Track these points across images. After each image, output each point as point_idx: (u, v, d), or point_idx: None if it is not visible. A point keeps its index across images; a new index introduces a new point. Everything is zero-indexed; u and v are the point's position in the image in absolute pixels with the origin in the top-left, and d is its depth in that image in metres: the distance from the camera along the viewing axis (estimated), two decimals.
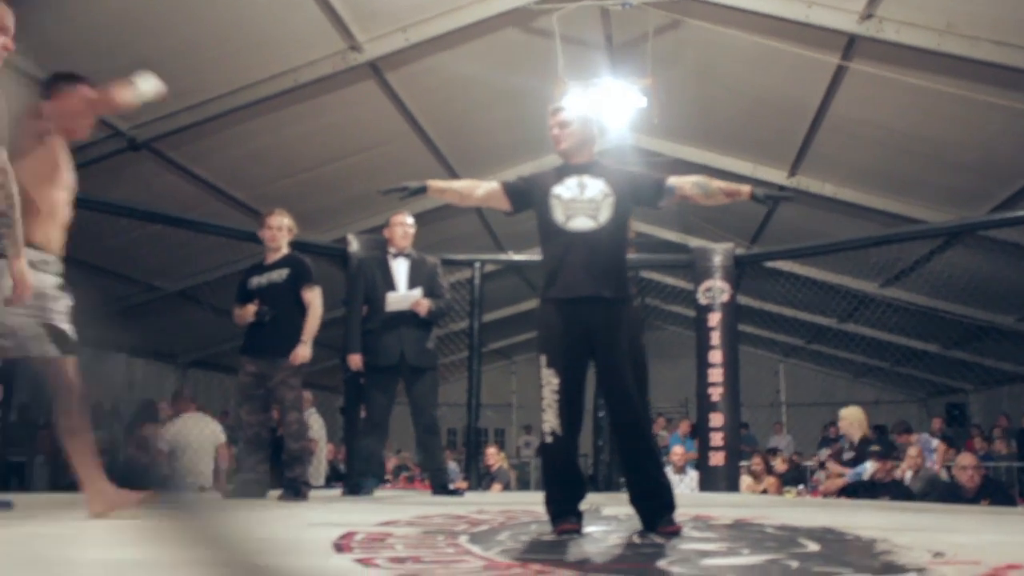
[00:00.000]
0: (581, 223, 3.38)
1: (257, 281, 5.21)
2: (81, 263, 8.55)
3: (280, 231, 5.34)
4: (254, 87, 7.01)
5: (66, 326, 3.34)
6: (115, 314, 10.08)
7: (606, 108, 7.22)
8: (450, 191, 3.73)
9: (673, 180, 3.52)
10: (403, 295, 5.50)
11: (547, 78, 7.27)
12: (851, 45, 6.67)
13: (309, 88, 7.13)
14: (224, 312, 10.39)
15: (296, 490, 5.01)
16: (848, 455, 7.71)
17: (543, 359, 3.34)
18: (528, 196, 3.55)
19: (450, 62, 7.44)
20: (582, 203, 3.41)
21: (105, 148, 7.25)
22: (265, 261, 5.33)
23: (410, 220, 5.76)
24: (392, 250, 5.72)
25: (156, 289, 10.05)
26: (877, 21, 6.28)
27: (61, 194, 3.39)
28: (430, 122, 8.26)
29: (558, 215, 3.41)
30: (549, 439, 3.32)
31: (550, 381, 3.29)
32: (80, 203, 6.09)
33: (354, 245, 6.74)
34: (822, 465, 8.52)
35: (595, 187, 3.43)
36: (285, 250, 5.34)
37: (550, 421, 3.29)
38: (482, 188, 3.65)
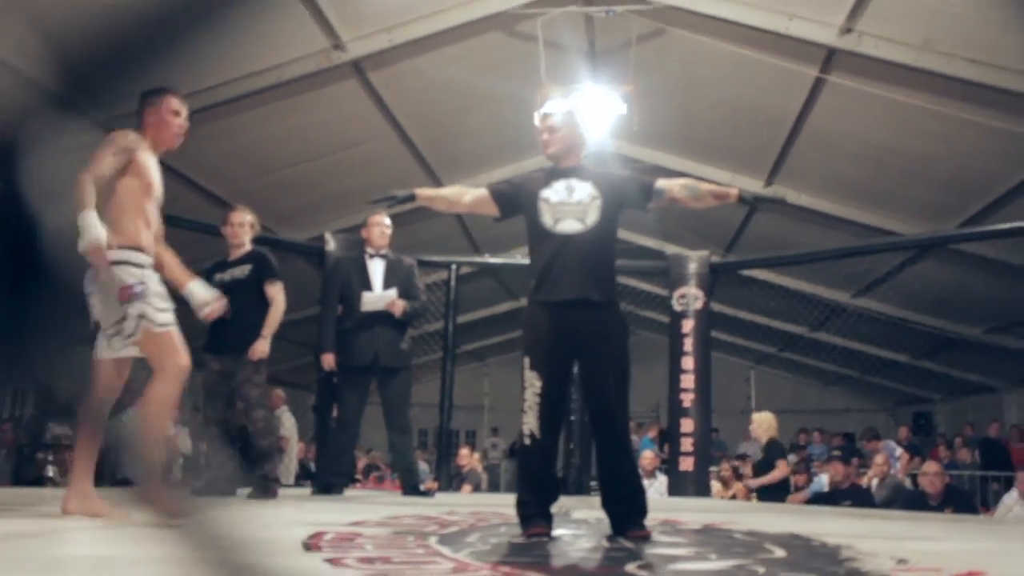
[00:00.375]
0: (569, 226, 3.39)
1: (220, 277, 5.14)
2: (56, 256, 8.47)
3: (243, 227, 5.31)
4: (236, 83, 6.97)
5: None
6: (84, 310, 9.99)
7: (587, 114, 7.26)
8: (438, 198, 3.70)
9: (662, 182, 3.52)
10: (378, 295, 5.49)
11: (529, 82, 7.30)
12: (830, 58, 6.76)
13: (291, 85, 7.12)
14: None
15: (265, 488, 4.99)
16: (758, 457, 7.87)
17: (527, 361, 3.35)
18: (516, 201, 3.55)
19: (433, 64, 7.45)
20: (570, 206, 3.42)
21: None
22: (228, 257, 5.32)
23: (387, 221, 5.74)
24: (369, 250, 5.70)
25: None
26: (856, 35, 6.36)
27: (154, 205, 3.51)
28: (411, 123, 8.27)
29: (546, 218, 3.42)
30: (527, 441, 3.33)
31: (533, 383, 3.29)
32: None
33: (331, 244, 6.73)
34: (736, 473, 8.60)
35: (583, 190, 3.44)
36: (248, 246, 5.32)
37: (530, 423, 3.30)
38: (470, 195, 3.63)
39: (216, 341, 5.11)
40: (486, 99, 8.17)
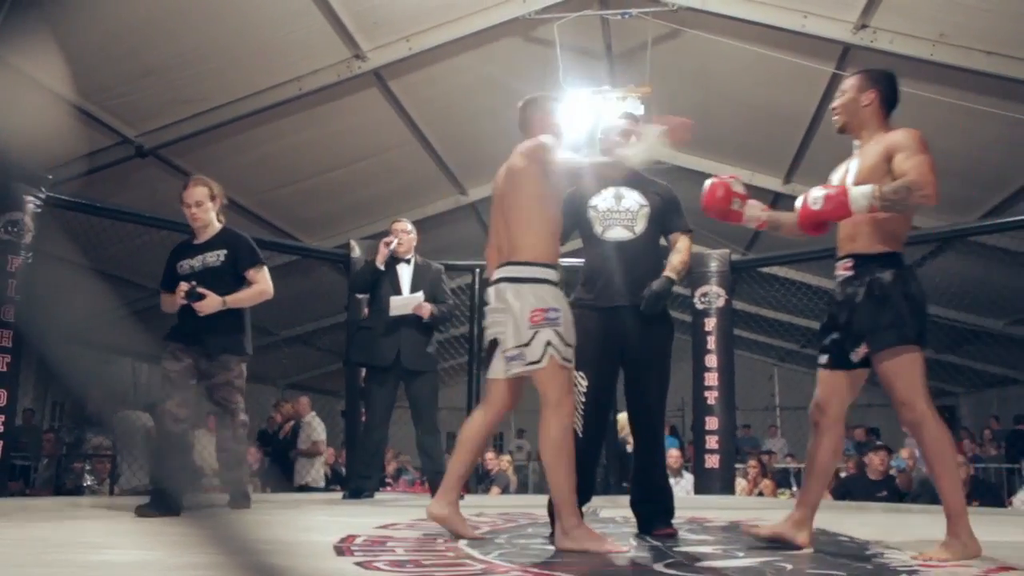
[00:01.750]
0: (618, 234, 3.48)
1: (189, 265, 4.32)
2: (88, 268, 8.61)
3: (200, 207, 4.32)
4: (259, 95, 7.08)
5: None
6: (122, 318, 10.12)
7: (605, 117, 7.29)
8: None
9: (675, 236, 3.59)
10: (406, 299, 5.52)
11: (547, 86, 7.35)
12: (845, 55, 6.75)
13: (313, 96, 7.21)
14: None
15: (244, 495, 4.46)
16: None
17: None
18: (572, 221, 3.54)
19: (452, 71, 7.53)
20: (619, 214, 3.50)
21: (113, 155, 7.33)
22: (195, 240, 4.40)
23: (410, 227, 5.79)
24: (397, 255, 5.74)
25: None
26: (871, 31, 6.37)
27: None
28: (432, 130, 8.35)
29: (596, 226, 3.51)
30: None
31: (579, 383, 3.32)
32: (87, 209, 6.23)
33: (357, 251, 6.81)
34: (763, 469, 8.58)
35: (631, 198, 3.53)
36: (217, 225, 4.40)
37: (576, 423, 3.31)
38: None
39: (185, 331, 4.33)
40: (505, 104, 8.14)
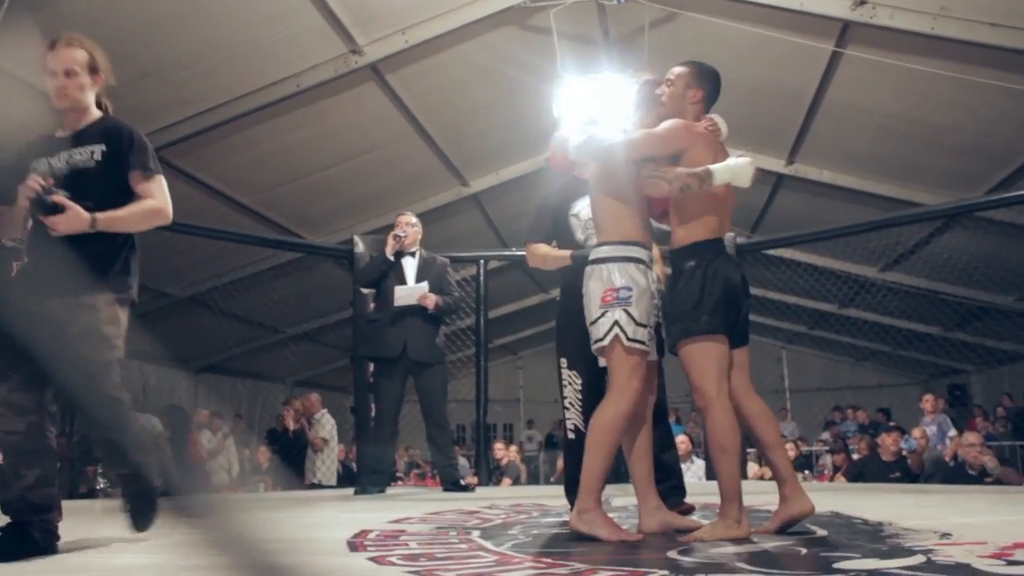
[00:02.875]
0: None
1: (49, 165, 2.82)
2: None
3: (72, 79, 2.90)
4: (257, 93, 7.05)
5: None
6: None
7: (605, 103, 7.24)
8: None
9: None
10: (410, 289, 5.52)
11: (546, 75, 7.32)
12: (845, 32, 6.70)
13: (311, 92, 7.17)
14: (233, 316, 10.46)
15: (144, 497, 2.79)
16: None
17: (563, 362, 3.52)
18: (554, 228, 3.67)
19: (449, 62, 7.49)
20: None
21: None
22: (60, 131, 2.95)
23: (415, 220, 5.79)
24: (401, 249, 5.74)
25: (166, 296, 10.11)
26: (870, 7, 6.31)
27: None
28: (431, 122, 8.31)
29: (577, 234, 3.59)
30: (572, 435, 3.48)
31: (573, 381, 3.46)
32: None
33: (360, 246, 6.79)
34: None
35: None
36: (96, 112, 2.98)
37: (573, 418, 3.48)
38: (551, 259, 3.69)
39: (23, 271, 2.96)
40: (504, 94, 8.19)
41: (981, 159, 7.88)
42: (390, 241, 5.60)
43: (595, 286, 2.95)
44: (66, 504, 2.87)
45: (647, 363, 3.01)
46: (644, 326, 2.91)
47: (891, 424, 8.55)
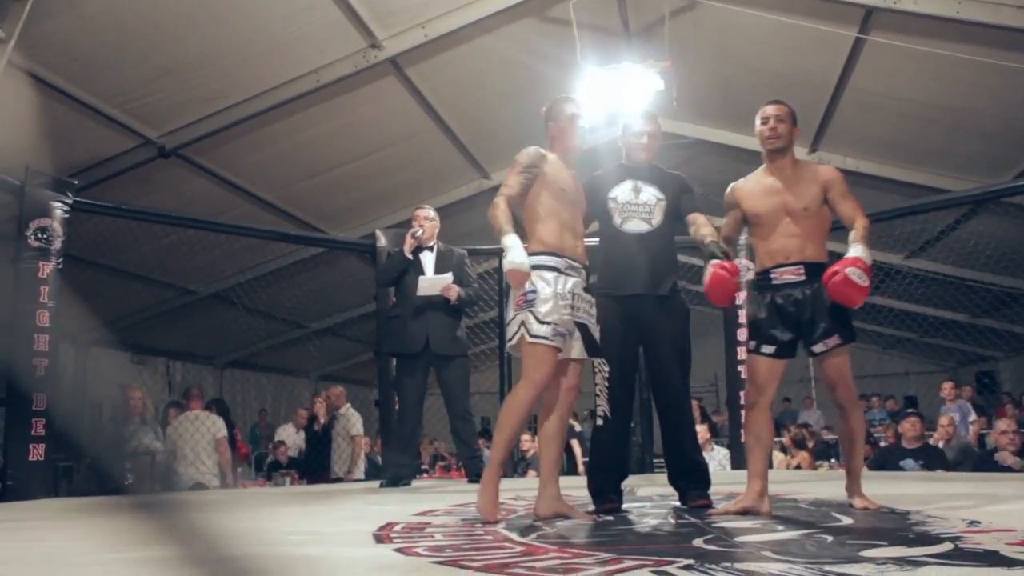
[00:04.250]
0: (636, 226, 3.63)
1: None
2: (117, 270, 8.72)
3: None
4: (277, 90, 7.10)
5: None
6: (153, 318, 10.25)
7: (626, 93, 7.22)
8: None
9: (692, 217, 3.69)
10: (433, 279, 5.52)
11: (566, 66, 7.30)
12: (868, 18, 6.64)
13: (331, 88, 7.21)
14: (257, 312, 10.53)
15: None
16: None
17: None
18: (592, 210, 3.69)
19: (469, 55, 7.49)
20: (636, 207, 3.65)
21: (136, 157, 7.39)
22: None
23: (432, 213, 5.78)
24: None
25: (191, 293, 10.21)
26: None
27: (570, 207, 3.42)
28: (452, 115, 8.32)
29: (615, 218, 3.66)
30: (600, 422, 3.62)
31: (602, 368, 3.57)
32: (114, 211, 6.29)
33: (382, 240, 6.81)
34: (798, 442, 8.52)
35: (648, 192, 3.67)
36: None
37: (602, 406, 3.59)
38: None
39: None
40: (524, 86, 8.17)
41: (1007, 144, 7.78)
42: (408, 240, 5.61)
43: (514, 292, 3.23)
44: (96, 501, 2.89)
45: (570, 362, 3.29)
46: (547, 323, 3.13)
47: (909, 411, 8.48)
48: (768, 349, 3.32)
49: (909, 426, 7.02)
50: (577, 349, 3.28)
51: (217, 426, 7.29)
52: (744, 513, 3.18)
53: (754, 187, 3.48)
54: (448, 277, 5.52)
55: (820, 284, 3.24)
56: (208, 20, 6.22)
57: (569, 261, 3.25)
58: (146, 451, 6.99)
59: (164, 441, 7.15)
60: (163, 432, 7.37)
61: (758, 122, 3.46)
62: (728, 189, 3.59)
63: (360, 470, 8.16)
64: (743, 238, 4.31)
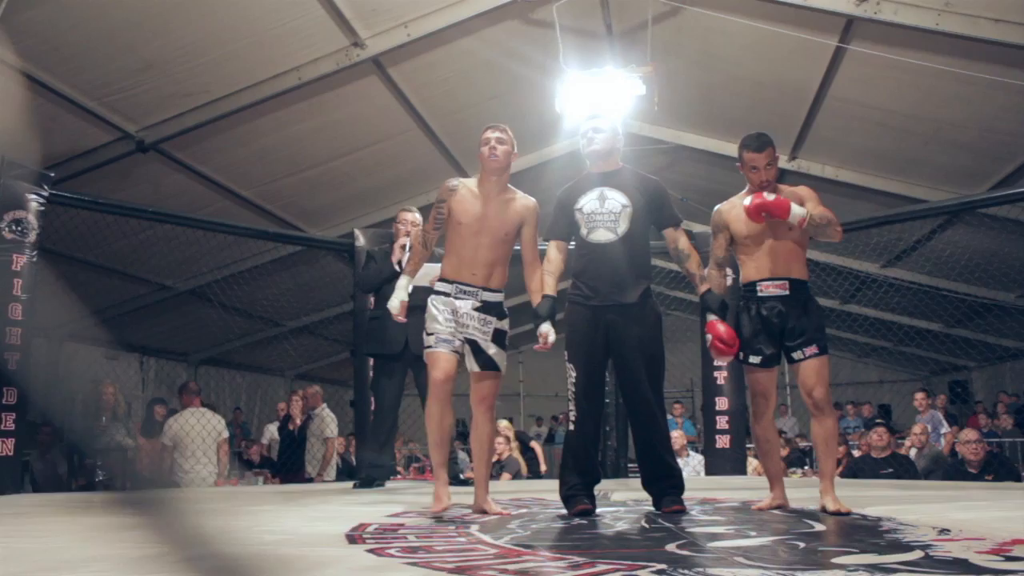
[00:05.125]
0: (601, 235, 3.63)
1: None
2: (93, 265, 8.64)
3: None
4: (259, 86, 7.05)
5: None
6: (127, 314, 10.15)
7: (608, 97, 7.23)
8: (556, 279, 3.80)
9: (670, 232, 3.76)
10: (430, 266, 5.50)
11: (548, 69, 7.31)
12: (849, 27, 6.67)
13: (313, 86, 7.16)
14: (234, 309, 10.48)
15: None
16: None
17: (566, 354, 3.66)
18: (569, 223, 3.77)
19: (452, 55, 7.48)
20: (602, 216, 3.64)
21: (114, 151, 7.31)
22: None
23: (418, 216, 5.73)
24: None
25: (167, 288, 10.12)
26: (875, 2, 6.28)
27: (468, 234, 3.71)
28: (433, 116, 8.30)
29: (582, 228, 3.68)
30: (572, 427, 3.64)
31: (570, 374, 3.61)
32: (90, 205, 6.23)
33: (361, 240, 6.78)
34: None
35: (615, 200, 3.66)
36: None
37: (572, 411, 3.62)
38: (555, 259, 3.79)
39: None
40: (506, 88, 8.18)
41: (984, 156, 7.86)
42: (396, 250, 5.56)
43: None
44: (67, 496, 2.86)
45: (476, 376, 3.69)
46: (431, 335, 3.65)
47: (878, 421, 8.56)
48: (755, 359, 3.58)
49: (877, 437, 7.09)
50: (472, 363, 3.64)
51: (222, 426, 7.34)
52: (779, 508, 3.59)
53: (740, 211, 3.61)
54: (436, 267, 5.49)
55: (802, 299, 3.55)
56: (190, 15, 6.17)
57: (461, 287, 3.66)
58: (117, 447, 6.94)
59: (162, 436, 7.13)
60: (158, 427, 7.39)
61: (747, 164, 3.66)
62: (714, 212, 3.74)
63: (332, 472, 8.11)
64: None
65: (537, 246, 3.82)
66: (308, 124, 7.81)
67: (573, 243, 3.79)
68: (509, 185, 3.84)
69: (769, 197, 3.46)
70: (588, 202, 3.68)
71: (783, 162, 8.92)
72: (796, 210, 3.45)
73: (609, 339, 3.60)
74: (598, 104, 6.70)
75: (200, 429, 7.03)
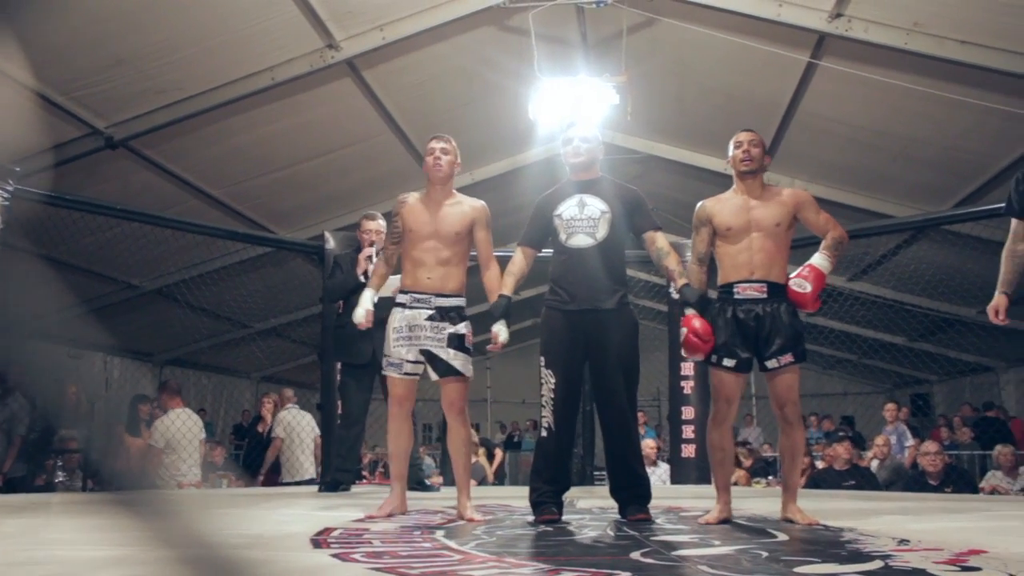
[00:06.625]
0: (580, 240, 3.65)
1: None
2: (58, 262, 8.51)
3: None
4: (232, 85, 7.00)
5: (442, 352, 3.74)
6: (92, 312, 10.00)
7: (582, 105, 7.26)
8: (516, 281, 3.83)
9: (650, 235, 3.76)
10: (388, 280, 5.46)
11: (523, 76, 7.33)
12: (821, 43, 6.77)
13: (286, 86, 7.13)
14: (201, 310, 10.37)
15: None
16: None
17: (543, 360, 3.65)
18: (543, 230, 3.80)
19: (426, 60, 7.48)
20: (581, 221, 3.66)
21: (82, 147, 7.22)
22: None
23: (381, 223, 5.65)
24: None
25: (133, 288, 9.99)
26: (846, 20, 6.38)
27: (421, 243, 3.81)
28: (407, 120, 8.28)
29: (561, 234, 3.69)
30: (545, 433, 3.63)
31: (548, 380, 3.60)
32: (57, 201, 6.14)
33: (331, 243, 6.75)
34: (736, 460, 8.64)
35: (594, 206, 3.68)
36: None
37: (547, 416, 3.61)
38: (519, 262, 3.82)
39: None
40: (480, 94, 8.18)
41: (949, 173, 7.99)
42: (362, 261, 5.54)
43: None
44: (23, 498, 2.82)
45: (442, 383, 3.77)
46: (385, 357, 3.83)
47: (841, 434, 8.69)
48: (729, 363, 3.48)
49: (843, 450, 7.20)
50: (432, 373, 3.74)
51: (200, 426, 7.27)
52: (725, 522, 3.44)
53: (725, 204, 3.62)
54: (398, 277, 5.46)
55: (779, 303, 3.47)
56: (164, 11, 6.11)
57: (415, 295, 3.76)
58: (78, 448, 6.85)
59: (151, 437, 7.03)
60: (143, 426, 7.31)
61: (732, 147, 3.64)
62: (698, 206, 3.69)
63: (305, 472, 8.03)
64: None
65: (491, 247, 3.87)
66: (280, 125, 7.76)
67: (551, 250, 3.80)
68: (455, 191, 3.93)
69: (807, 287, 3.46)
70: (567, 208, 3.70)
71: None
72: (825, 266, 3.51)
73: (588, 346, 3.61)
74: (578, 112, 6.74)
75: (187, 431, 6.96)
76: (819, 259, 3.51)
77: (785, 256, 3.57)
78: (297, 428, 7.80)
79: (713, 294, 3.68)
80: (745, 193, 3.60)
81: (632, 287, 10.42)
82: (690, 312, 3.54)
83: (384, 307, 5.39)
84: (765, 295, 3.47)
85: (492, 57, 7.57)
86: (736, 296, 3.50)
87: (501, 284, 3.76)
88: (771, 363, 3.45)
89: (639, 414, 11.40)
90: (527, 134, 8.22)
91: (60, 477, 6.83)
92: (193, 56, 6.59)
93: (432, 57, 7.45)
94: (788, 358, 3.44)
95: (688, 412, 7.24)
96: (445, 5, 6.88)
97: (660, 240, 3.73)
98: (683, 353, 3.61)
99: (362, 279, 5.49)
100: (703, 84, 8.15)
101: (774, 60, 6.96)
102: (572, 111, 6.93)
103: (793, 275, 3.51)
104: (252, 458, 8.07)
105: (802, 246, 4.40)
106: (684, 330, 3.52)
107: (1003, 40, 5.99)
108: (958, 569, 2.07)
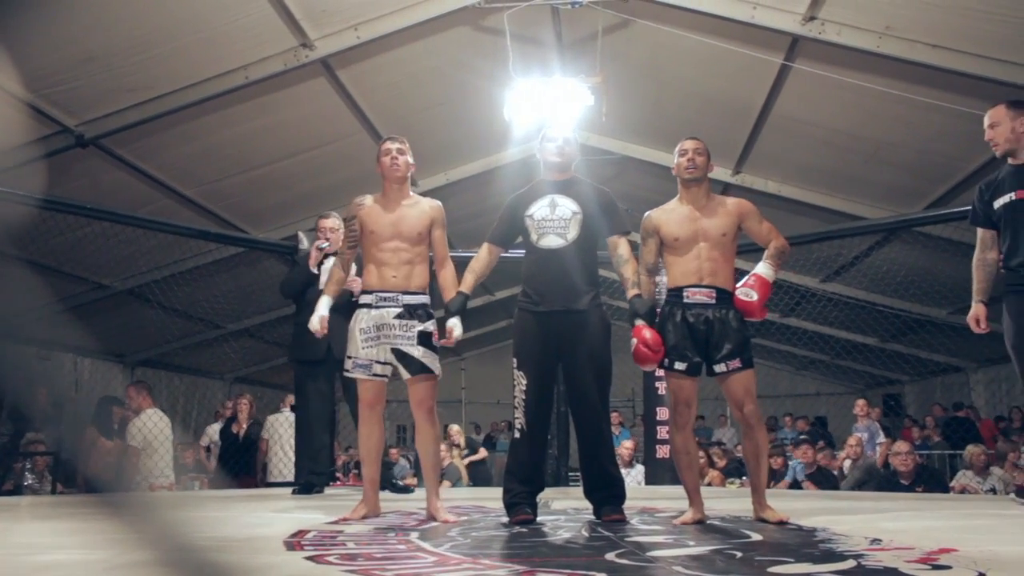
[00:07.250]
0: (551, 241, 3.65)
1: None
2: (27, 261, 8.39)
3: None
4: (205, 84, 6.92)
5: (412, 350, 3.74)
6: (62, 313, 9.87)
7: (556, 106, 7.27)
8: (478, 278, 3.87)
9: (612, 240, 3.77)
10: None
11: (498, 77, 7.32)
12: (794, 46, 6.81)
13: (260, 85, 7.06)
14: (173, 310, 10.27)
15: None
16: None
17: (515, 361, 3.65)
18: (511, 230, 3.82)
19: (401, 60, 7.45)
20: (552, 222, 3.66)
21: (52, 145, 7.10)
22: None
23: (337, 222, 5.61)
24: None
25: (104, 288, 9.86)
26: (819, 23, 6.42)
27: (382, 243, 3.81)
28: (381, 120, 8.23)
29: (532, 235, 3.69)
30: (518, 434, 3.63)
31: (520, 382, 3.60)
32: (26, 200, 6.05)
33: (304, 243, 6.69)
34: (710, 460, 8.76)
35: (565, 207, 3.68)
36: None
37: (520, 418, 3.61)
38: (483, 259, 3.86)
39: None
40: (455, 94, 8.16)
41: (920, 176, 8.07)
42: (314, 253, 5.54)
43: None
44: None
45: (410, 383, 3.79)
46: (350, 358, 3.80)
47: (803, 437, 8.81)
48: (681, 366, 3.51)
49: (801, 454, 7.40)
50: (404, 372, 3.73)
51: (170, 427, 7.22)
52: (698, 524, 3.46)
53: (671, 214, 3.66)
54: (358, 280, 5.44)
55: (727, 309, 3.54)
56: (137, 8, 6.02)
57: (380, 294, 3.74)
58: (46, 451, 6.77)
59: (127, 439, 6.95)
60: (116, 428, 7.26)
61: (676, 155, 3.68)
62: (645, 217, 3.72)
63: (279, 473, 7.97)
64: None
65: (447, 245, 3.92)
66: (254, 124, 7.70)
67: (523, 251, 3.80)
68: (411, 191, 3.96)
69: (753, 296, 3.52)
70: (539, 209, 3.70)
71: (727, 176, 9.08)
72: (769, 275, 3.60)
73: (560, 347, 3.61)
74: (555, 113, 6.75)
75: (158, 432, 6.90)
76: (764, 268, 3.60)
77: (731, 264, 3.65)
78: (280, 429, 7.77)
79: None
80: (690, 203, 3.65)
81: (606, 288, 10.46)
82: (640, 323, 3.56)
83: (339, 297, 5.39)
84: (714, 301, 3.53)
85: (467, 57, 7.55)
86: (686, 300, 3.55)
87: (459, 282, 3.80)
88: (719, 367, 3.51)
89: (613, 415, 11.47)
90: (502, 135, 8.21)
91: (29, 480, 6.73)
92: (165, 53, 6.52)
93: (407, 57, 7.42)
94: (736, 363, 3.50)
95: (663, 413, 7.25)
96: (420, 5, 6.85)
97: (622, 247, 3.74)
98: (636, 362, 3.61)
99: (314, 271, 5.49)
100: (678, 86, 8.18)
101: (748, 62, 6.99)
102: (548, 112, 6.94)
103: (740, 284, 3.57)
104: (227, 459, 7.99)
105: (747, 252, 4.51)
106: (634, 341, 3.54)
107: (973, 44, 6.05)
108: (930, 568, 2.10)
